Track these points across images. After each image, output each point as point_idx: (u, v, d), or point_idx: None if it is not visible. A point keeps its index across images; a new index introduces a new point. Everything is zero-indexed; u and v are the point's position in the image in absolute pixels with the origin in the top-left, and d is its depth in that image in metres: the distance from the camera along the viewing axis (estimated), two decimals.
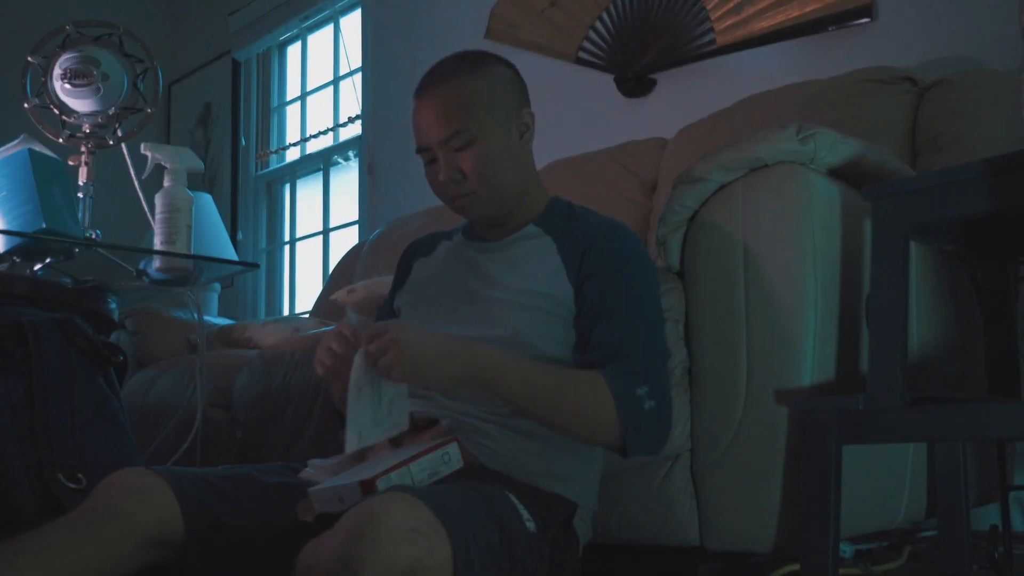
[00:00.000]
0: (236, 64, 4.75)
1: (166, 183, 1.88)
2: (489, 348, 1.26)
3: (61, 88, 1.89)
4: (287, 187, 4.66)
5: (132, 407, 2.39)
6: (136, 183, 1.95)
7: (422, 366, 1.19)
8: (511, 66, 1.46)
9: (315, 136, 4.42)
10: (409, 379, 1.21)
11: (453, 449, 1.21)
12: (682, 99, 2.84)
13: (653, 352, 1.33)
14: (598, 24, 3.07)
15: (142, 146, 1.89)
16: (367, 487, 1.12)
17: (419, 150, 1.41)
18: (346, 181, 4.29)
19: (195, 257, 1.90)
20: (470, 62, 1.42)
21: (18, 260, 1.80)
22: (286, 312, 4.59)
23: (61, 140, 1.94)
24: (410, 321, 1.48)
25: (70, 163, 1.90)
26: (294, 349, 2.24)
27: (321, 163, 4.41)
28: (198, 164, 1.94)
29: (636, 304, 1.34)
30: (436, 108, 1.37)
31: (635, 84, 2.98)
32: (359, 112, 4.08)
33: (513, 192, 1.42)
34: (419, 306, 1.49)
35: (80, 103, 1.90)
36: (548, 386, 1.26)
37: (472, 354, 1.24)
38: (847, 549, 1.75)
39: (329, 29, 4.42)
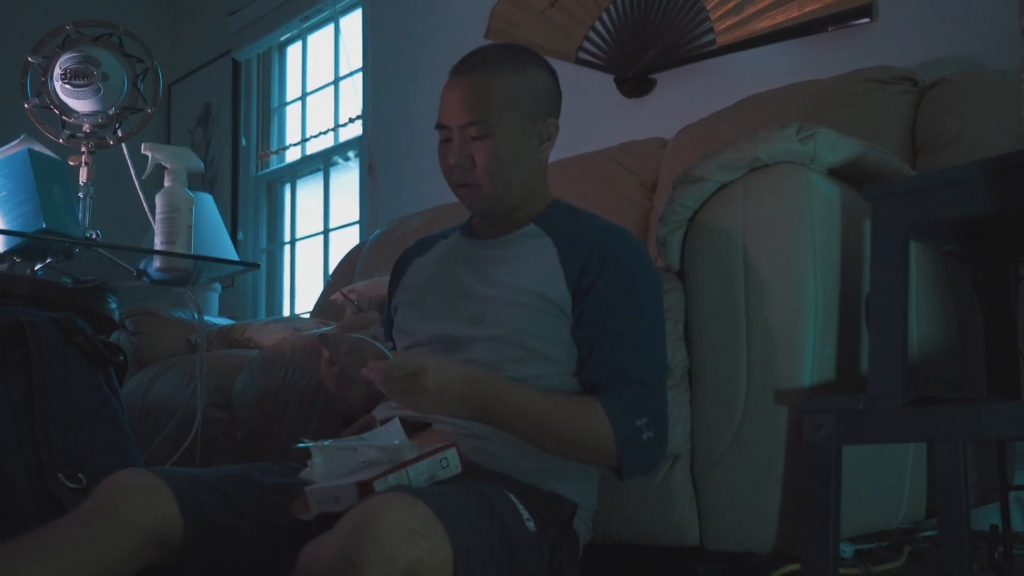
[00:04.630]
0: (236, 64, 4.75)
1: (166, 183, 1.88)
2: (494, 382, 1.27)
3: (61, 88, 1.89)
4: (287, 187, 4.66)
5: (132, 407, 2.39)
6: (136, 183, 1.95)
7: (438, 406, 1.23)
8: (552, 73, 1.45)
9: (315, 136, 4.42)
10: (422, 413, 1.27)
11: (452, 455, 1.20)
12: (682, 99, 2.84)
13: (653, 374, 1.34)
14: (598, 24, 3.07)
15: (142, 146, 1.89)
16: (364, 488, 1.12)
17: (438, 126, 1.41)
18: (346, 181, 4.29)
19: (195, 257, 1.89)
20: (513, 58, 1.41)
21: (18, 260, 1.80)
22: (286, 312, 4.59)
23: (61, 140, 1.94)
24: (406, 320, 1.48)
25: (70, 163, 1.90)
26: (294, 349, 2.24)
27: (321, 163, 4.41)
28: (198, 164, 1.94)
29: (637, 319, 1.34)
30: (465, 91, 1.37)
31: (635, 84, 2.98)
32: (359, 112, 4.08)
33: (516, 193, 1.42)
34: (415, 305, 1.49)
35: (80, 103, 1.90)
36: (549, 421, 1.28)
37: (480, 394, 1.25)
38: (847, 549, 1.75)
39: (329, 29, 4.42)
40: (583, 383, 1.35)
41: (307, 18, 4.41)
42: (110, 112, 1.92)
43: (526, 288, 1.37)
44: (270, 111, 4.73)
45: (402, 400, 1.23)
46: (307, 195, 4.57)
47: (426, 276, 1.51)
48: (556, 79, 1.45)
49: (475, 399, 1.24)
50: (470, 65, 1.39)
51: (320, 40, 4.53)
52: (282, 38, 4.63)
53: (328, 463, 1.23)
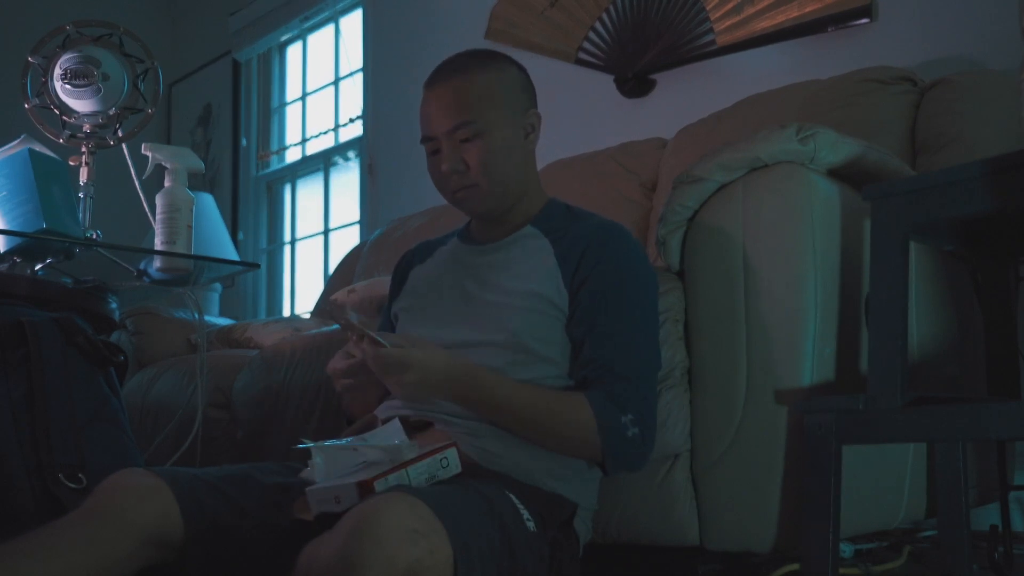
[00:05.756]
0: (236, 64, 4.75)
1: (167, 183, 1.88)
2: (483, 375, 1.29)
3: (61, 88, 1.88)
4: (288, 187, 4.66)
5: (132, 407, 2.39)
6: (136, 183, 1.95)
7: (426, 392, 1.27)
8: (522, 68, 1.47)
9: (315, 136, 4.42)
10: (410, 400, 1.31)
11: (452, 454, 1.20)
12: (682, 99, 2.84)
13: (643, 370, 1.34)
14: (598, 24, 3.07)
15: (143, 146, 1.89)
16: (364, 488, 1.12)
17: (424, 140, 1.42)
18: (346, 181, 4.29)
19: (195, 257, 1.89)
20: (483, 57, 1.43)
21: (18, 260, 1.80)
22: (287, 312, 4.59)
23: (61, 140, 1.94)
24: (407, 327, 1.49)
25: (70, 163, 1.90)
26: (294, 349, 2.24)
27: (321, 163, 4.41)
28: (198, 164, 1.93)
29: (629, 315, 1.35)
30: (446, 98, 1.38)
31: (635, 84, 2.98)
32: (359, 112, 4.08)
33: (514, 189, 1.43)
34: (416, 311, 1.50)
35: (80, 103, 1.90)
36: (533, 410, 1.30)
37: (468, 383, 1.28)
38: (847, 549, 1.75)
39: (329, 29, 4.42)
40: (574, 378, 1.36)
41: (307, 18, 4.41)
42: (110, 112, 1.92)
43: (526, 291, 1.37)
44: (270, 111, 4.73)
45: (395, 388, 1.26)
46: (307, 195, 4.57)
47: (427, 283, 1.52)
48: (526, 73, 1.47)
49: (455, 388, 1.27)
50: (443, 73, 1.41)
51: (320, 40, 4.53)
52: (282, 38, 4.63)
53: (328, 463, 1.23)
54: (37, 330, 1.58)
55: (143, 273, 1.91)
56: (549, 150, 2.70)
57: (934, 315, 1.64)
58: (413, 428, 1.34)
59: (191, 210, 1.88)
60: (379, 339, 1.23)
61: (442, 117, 1.38)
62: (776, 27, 2.62)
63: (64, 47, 1.90)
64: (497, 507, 1.17)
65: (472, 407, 1.30)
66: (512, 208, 1.45)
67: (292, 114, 4.68)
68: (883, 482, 1.58)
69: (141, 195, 1.99)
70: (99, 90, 1.88)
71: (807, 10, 2.55)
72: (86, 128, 1.93)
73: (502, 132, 1.39)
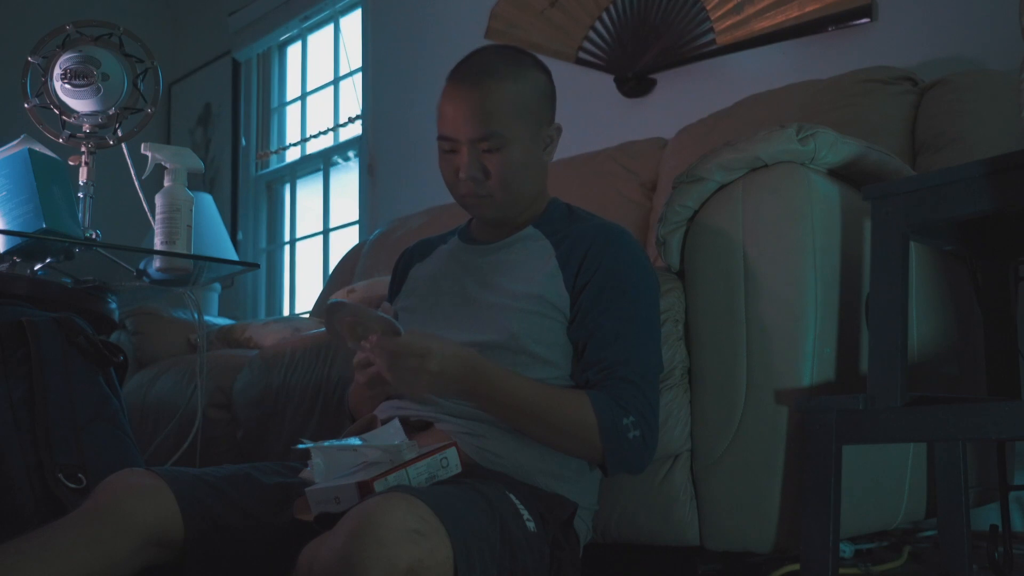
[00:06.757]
0: (236, 64, 4.75)
1: (166, 183, 1.88)
2: (491, 367, 1.28)
3: (61, 88, 1.88)
4: (287, 187, 4.66)
5: (132, 407, 2.39)
6: (136, 183, 1.95)
7: (435, 388, 1.25)
8: (548, 73, 1.44)
9: (315, 136, 4.42)
10: (418, 394, 1.28)
11: (452, 454, 1.21)
12: (682, 99, 2.84)
13: (645, 373, 1.34)
14: (598, 24, 3.07)
15: (142, 146, 1.89)
16: (364, 489, 1.12)
17: (442, 138, 1.39)
18: (346, 181, 4.29)
19: (195, 257, 1.89)
20: (515, 63, 1.39)
21: (18, 260, 1.80)
22: (286, 312, 4.59)
23: (61, 140, 1.94)
24: (407, 327, 1.48)
25: (70, 163, 1.90)
26: (294, 349, 2.24)
27: (321, 163, 4.41)
28: (198, 164, 1.93)
29: (631, 318, 1.34)
30: (473, 104, 1.35)
31: (635, 84, 2.98)
32: (359, 112, 4.08)
33: (526, 200, 1.43)
34: (415, 311, 1.49)
35: (80, 103, 1.90)
36: (537, 407, 1.29)
37: (477, 374, 1.27)
38: (847, 549, 1.75)
39: (329, 29, 4.42)
40: (576, 380, 1.36)
41: (307, 18, 4.41)
42: (110, 112, 1.92)
43: (526, 292, 1.37)
44: (270, 111, 4.73)
45: (401, 379, 1.23)
46: (307, 195, 4.57)
47: (427, 282, 1.52)
48: (552, 80, 1.45)
49: (467, 380, 1.26)
50: (474, 75, 1.36)
51: (320, 40, 4.53)
52: (282, 38, 4.63)
53: (328, 463, 1.23)
54: (37, 330, 1.58)
55: (143, 273, 1.91)
56: None
57: (934, 315, 1.64)
58: (413, 428, 1.34)
59: (191, 210, 1.88)
60: (395, 323, 1.22)
61: (468, 123, 1.35)
62: (776, 27, 2.62)
63: (64, 47, 1.90)
64: (497, 507, 1.17)
65: (478, 400, 1.29)
66: (519, 214, 1.45)
67: (292, 114, 4.68)
68: (883, 482, 1.58)
69: (141, 195, 1.99)
70: (99, 90, 1.88)
71: (807, 10, 2.56)
72: (86, 128, 1.93)
73: (525, 145, 1.37)
